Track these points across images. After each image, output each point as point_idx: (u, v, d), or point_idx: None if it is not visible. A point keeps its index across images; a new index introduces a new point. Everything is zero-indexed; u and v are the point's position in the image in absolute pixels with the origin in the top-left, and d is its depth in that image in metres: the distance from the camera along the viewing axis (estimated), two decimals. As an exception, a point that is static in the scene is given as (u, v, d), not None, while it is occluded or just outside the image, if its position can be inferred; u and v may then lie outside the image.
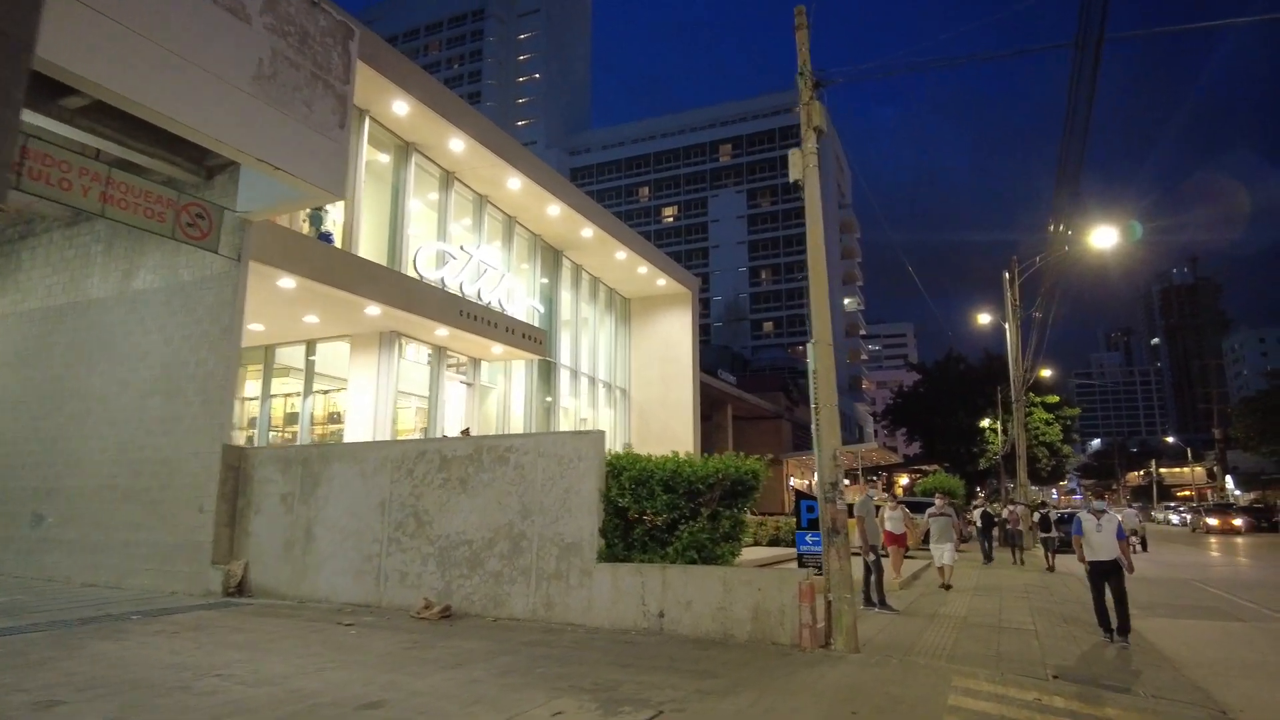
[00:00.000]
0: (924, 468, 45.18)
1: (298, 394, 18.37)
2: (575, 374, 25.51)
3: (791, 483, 46.69)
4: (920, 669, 6.51)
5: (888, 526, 13.51)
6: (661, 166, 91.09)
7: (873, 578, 10.44)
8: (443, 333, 17.38)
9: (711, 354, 62.06)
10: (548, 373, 23.98)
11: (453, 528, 9.00)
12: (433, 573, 9.06)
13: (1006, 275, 26.46)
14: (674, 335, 29.40)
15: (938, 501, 14.54)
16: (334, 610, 9.21)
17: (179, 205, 10.64)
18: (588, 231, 23.26)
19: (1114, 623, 8.73)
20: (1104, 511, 9.17)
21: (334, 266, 14.21)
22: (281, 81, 9.76)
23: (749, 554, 16.21)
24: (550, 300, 24.31)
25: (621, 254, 25.26)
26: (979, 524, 22.63)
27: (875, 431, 79.14)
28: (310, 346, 18.31)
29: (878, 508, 14.76)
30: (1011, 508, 23.08)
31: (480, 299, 18.58)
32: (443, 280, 17.57)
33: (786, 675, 6.09)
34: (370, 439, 15.79)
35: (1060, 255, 25.85)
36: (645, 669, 6.20)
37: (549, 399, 24.02)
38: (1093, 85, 11.62)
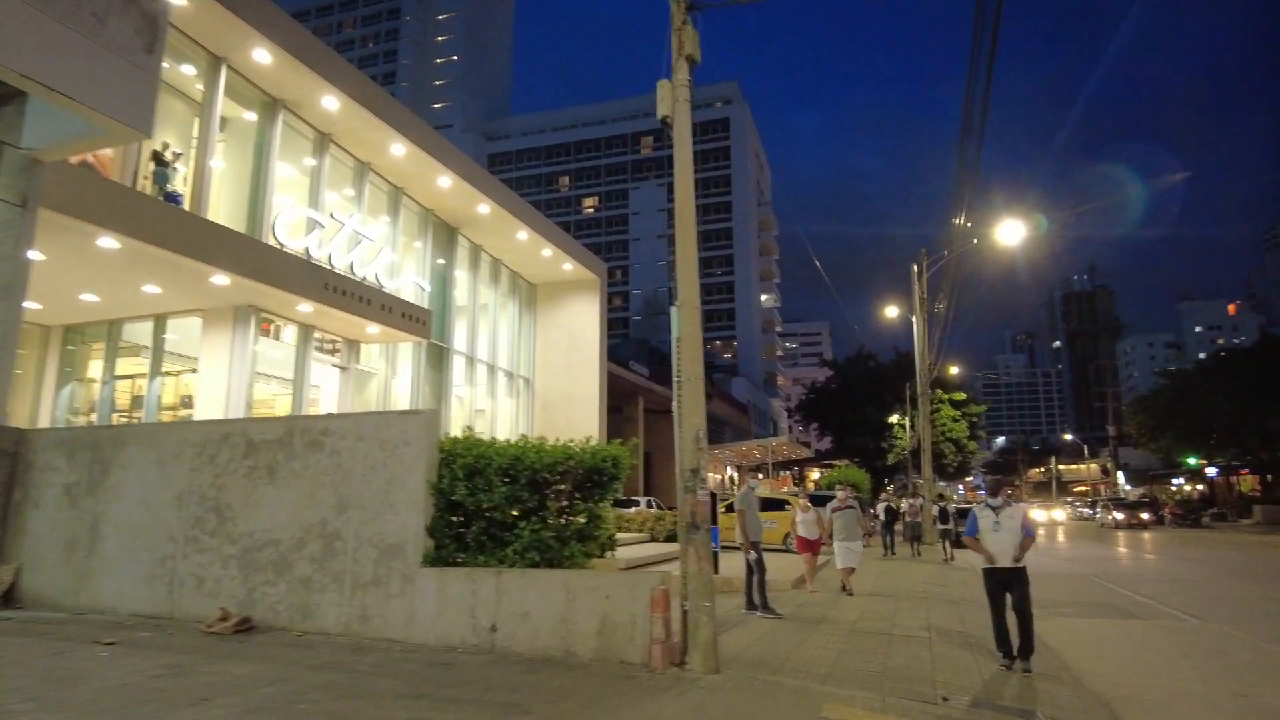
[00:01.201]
0: (834, 463, 45.33)
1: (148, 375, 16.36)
2: (472, 361, 23.96)
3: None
4: (787, 694, 5.46)
5: (800, 531, 12.26)
6: (582, 156, 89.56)
7: (754, 578, 9.46)
8: (306, 308, 15.65)
9: (630, 347, 61.13)
10: (439, 359, 22.39)
11: (258, 525, 7.52)
12: (234, 578, 7.57)
13: (915, 268, 26.20)
14: (581, 324, 28.14)
15: (840, 494, 12.92)
16: (113, 624, 7.63)
17: (-60, 137, 8.77)
18: (484, 208, 21.76)
19: (1015, 642, 7.15)
20: (1003, 506, 7.33)
21: (169, 227, 12.39)
22: (63, -13, 8.05)
23: (636, 551, 15.07)
24: (444, 281, 22.71)
25: (523, 234, 23.84)
26: (882, 517, 23.51)
27: (790, 427, 79.72)
28: (160, 322, 16.31)
29: (784, 504, 13.90)
30: (912, 501, 23.45)
31: (354, 273, 16.92)
32: (308, 250, 15.85)
33: (616, 708, 4.93)
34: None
35: (968, 247, 25.76)
36: (444, 702, 4.94)
37: (440, 387, 22.41)
38: (988, 75, 11.08)
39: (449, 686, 5.31)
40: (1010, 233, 24.46)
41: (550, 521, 6.78)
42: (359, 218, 17.81)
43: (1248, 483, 50.66)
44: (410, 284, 19.69)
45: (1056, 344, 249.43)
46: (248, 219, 15.76)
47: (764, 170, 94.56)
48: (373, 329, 17.51)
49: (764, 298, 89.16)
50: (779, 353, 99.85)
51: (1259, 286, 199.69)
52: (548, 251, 25.40)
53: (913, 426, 40.97)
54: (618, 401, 40.32)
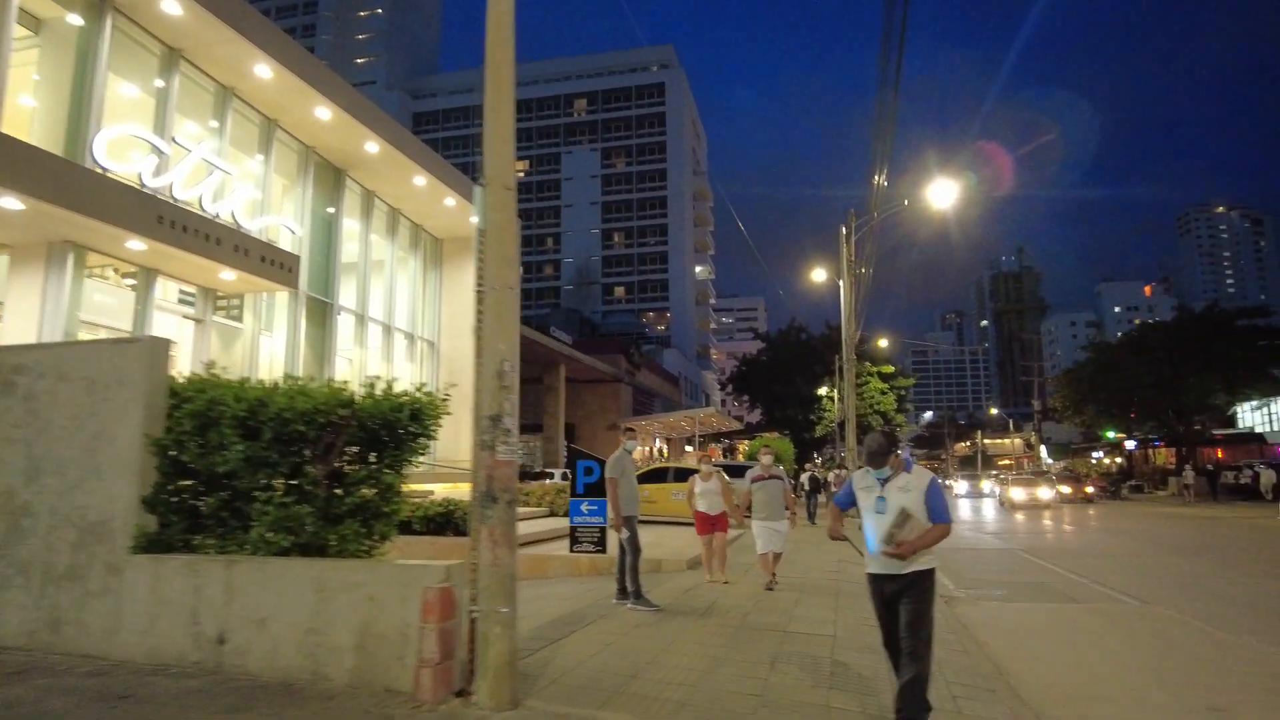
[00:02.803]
0: (765, 435, 44.34)
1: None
2: (362, 319, 21.67)
3: (634, 447, 44.61)
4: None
5: (699, 505, 9.70)
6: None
7: (626, 560, 7.80)
8: (137, 246, 13.28)
9: (560, 317, 59.03)
10: (323, 316, 20.08)
11: (-80, 498, 5.46)
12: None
13: (842, 230, 24.86)
14: (489, 282, 26.00)
15: (763, 460, 10.11)
16: None
17: None
18: (372, 146, 19.43)
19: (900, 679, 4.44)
20: (894, 475, 4.48)
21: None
22: None
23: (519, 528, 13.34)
24: (330, 229, 20.35)
25: (420, 179, 21.57)
26: (806, 487, 23.68)
27: (723, 400, 78.88)
28: (-36, 262, 13.72)
29: (666, 473, 11.97)
30: (838, 472, 23.56)
31: (204, 209, 14.55)
32: (140, 178, 13.43)
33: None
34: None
35: (900, 209, 24.57)
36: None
37: (324, 348, 20.12)
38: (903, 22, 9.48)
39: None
40: (941, 193, 23.41)
41: (311, 492, 4.90)
42: (212, 146, 15.40)
43: (1162, 455, 51.75)
44: (278, 227, 17.34)
45: (984, 323, 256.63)
46: (66, 140, 13.25)
47: (700, 140, 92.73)
48: (228, 275, 15.19)
49: (698, 269, 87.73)
50: (713, 326, 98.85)
51: (1171, 269, 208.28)
52: (451, 201, 23.17)
53: (841, 398, 40.23)
54: (539, 370, 38.34)
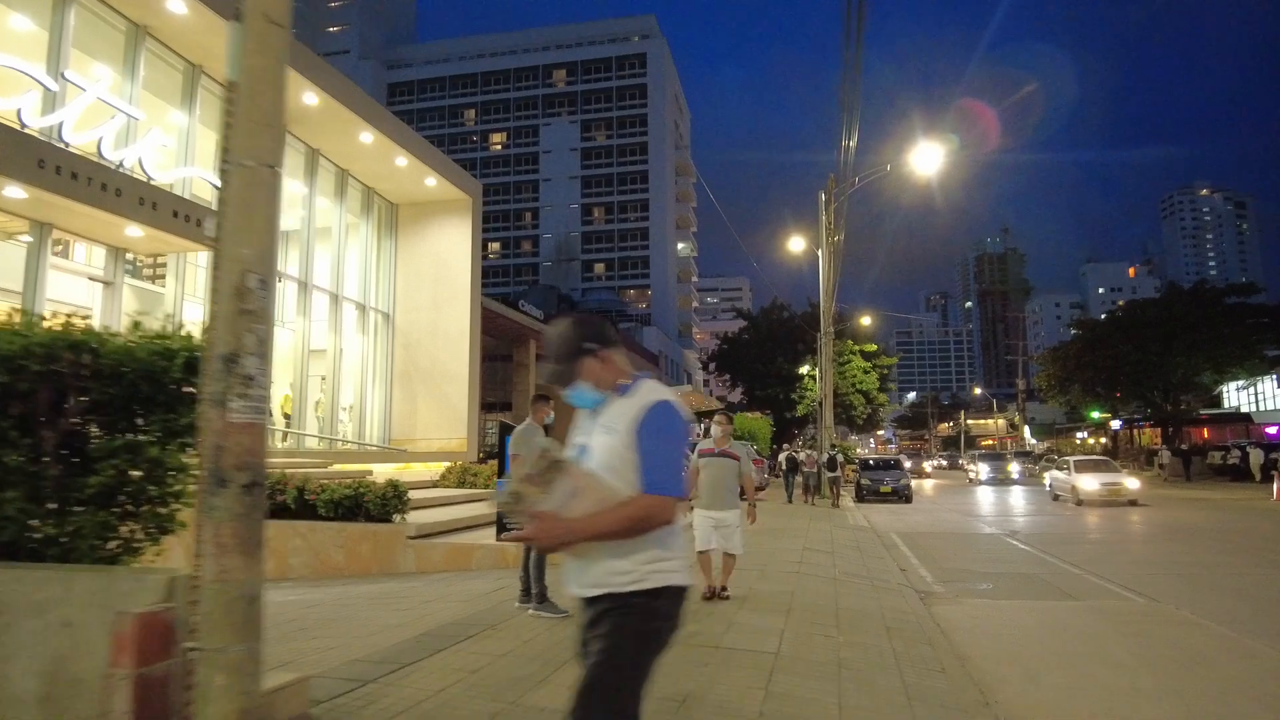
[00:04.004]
0: (749, 414, 43.12)
1: None
2: (306, 287, 20.11)
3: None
4: None
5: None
6: (490, 88, 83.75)
7: (529, 556, 6.44)
8: (15, 194, 11.70)
9: (537, 294, 57.43)
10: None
11: None
12: None
13: (821, 196, 23.49)
14: (449, 250, 24.41)
15: (716, 429, 7.76)
16: None
17: None
18: (311, 97, 17.82)
19: None
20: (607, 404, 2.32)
21: None
22: None
23: (451, 513, 11.89)
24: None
25: (367, 136, 19.97)
26: (784, 466, 23.19)
27: (706, 381, 77.69)
28: None
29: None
30: (810, 452, 23.23)
31: (103, 156, 12.97)
32: (19, 115, 11.83)
33: None
34: None
35: (883, 174, 23.25)
36: None
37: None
38: None
39: None
40: (925, 157, 22.25)
41: (24, 468, 3.45)
42: (111, 85, 13.77)
43: (1147, 436, 51.01)
44: (200, 181, 15.74)
45: (969, 304, 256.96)
46: (-66, 72, 11.67)
47: (683, 114, 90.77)
48: (134, 231, 13.64)
49: (680, 246, 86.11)
50: (695, 305, 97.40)
51: (1155, 252, 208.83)
52: (402, 160, 21.58)
53: (823, 376, 39.09)
54: (507, 347, 36.87)
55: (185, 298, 16.49)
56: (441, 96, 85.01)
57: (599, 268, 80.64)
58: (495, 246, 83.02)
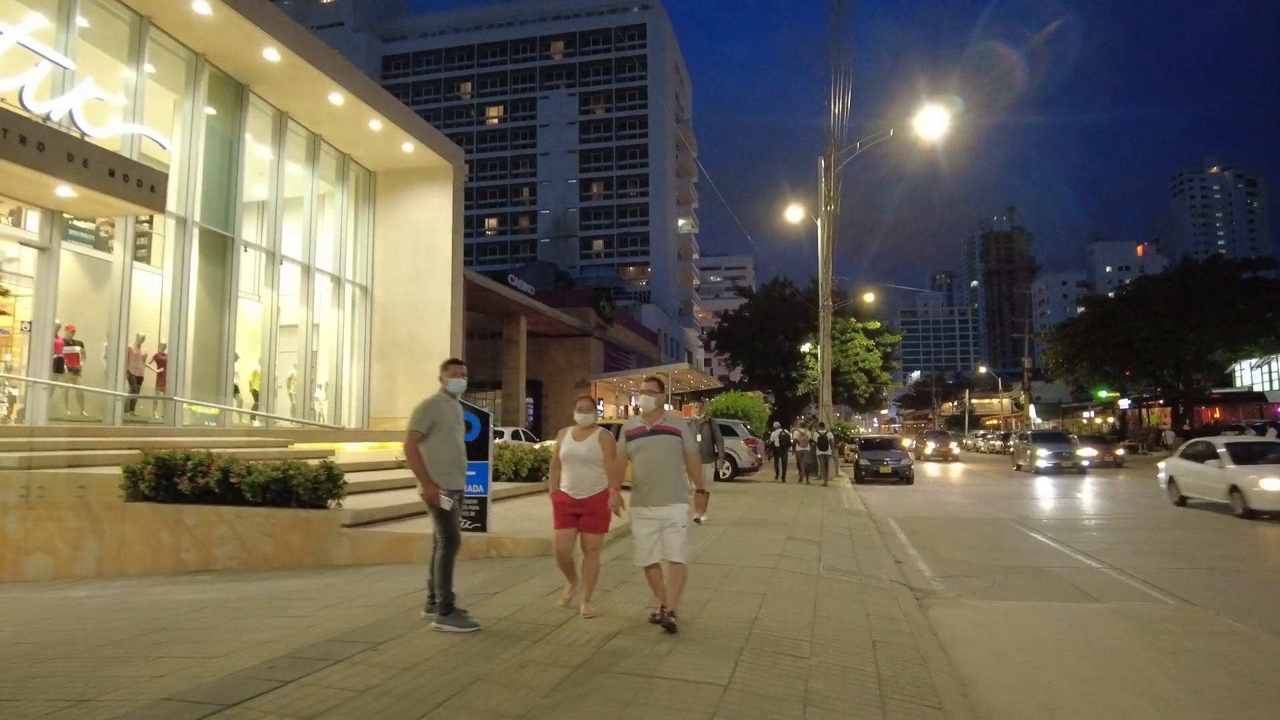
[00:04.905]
0: (747, 394, 42.12)
1: None
2: (273, 257, 19.02)
3: (601, 409, 42.31)
4: None
5: (563, 483, 5.60)
6: (487, 61, 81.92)
7: (437, 555, 5.37)
8: (-85, 145, 10.62)
9: (534, 272, 56.27)
10: (222, 251, 17.46)
11: None
12: None
13: (821, 161, 22.25)
14: (429, 220, 23.25)
15: (644, 401, 5.60)
16: None
17: None
18: (272, 53, 16.68)
19: None
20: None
21: None
22: None
23: (394, 500, 10.75)
24: (230, 152, 17.66)
25: (337, 97, 18.80)
26: (776, 444, 22.76)
27: (707, 361, 76.57)
28: None
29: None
30: (804, 430, 22.96)
31: (25, 106, 11.86)
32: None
33: None
34: None
35: (885, 139, 22.01)
36: None
37: (223, 289, 17.51)
38: None
39: None
40: (929, 121, 21.08)
41: None
42: (32, 30, 12.60)
43: (1156, 415, 49.82)
44: (144, 139, 14.59)
45: (974, 283, 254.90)
46: None
47: (684, 85, 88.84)
48: (65, 192, 12.55)
49: (681, 222, 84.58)
50: (696, 282, 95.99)
51: (1163, 230, 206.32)
52: (376, 124, 20.41)
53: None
54: (496, 324, 35.86)
55: (135, 267, 15.40)
56: (437, 70, 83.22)
57: (598, 244, 79.22)
58: (492, 223, 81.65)
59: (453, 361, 5.56)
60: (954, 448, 41.06)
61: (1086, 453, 28.44)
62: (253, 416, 18.51)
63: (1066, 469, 26.16)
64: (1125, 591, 7.63)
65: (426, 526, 8.93)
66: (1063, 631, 6.06)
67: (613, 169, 78.41)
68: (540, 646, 4.63)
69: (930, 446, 41.07)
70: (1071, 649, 5.58)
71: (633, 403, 50.50)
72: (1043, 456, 26.58)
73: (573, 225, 79.03)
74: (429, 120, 25.79)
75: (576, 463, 5.50)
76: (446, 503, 5.19)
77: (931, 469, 31.27)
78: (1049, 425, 56.40)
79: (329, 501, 8.79)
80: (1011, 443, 30.68)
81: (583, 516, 5.52)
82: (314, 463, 8.97)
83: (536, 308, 35.28)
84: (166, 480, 8.92)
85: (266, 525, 8.69)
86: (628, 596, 6.07)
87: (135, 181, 13.08)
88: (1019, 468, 28.91)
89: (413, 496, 10.22)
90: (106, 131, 13.36)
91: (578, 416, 5.74)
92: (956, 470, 29.01)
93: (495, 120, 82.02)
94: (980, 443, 56.25)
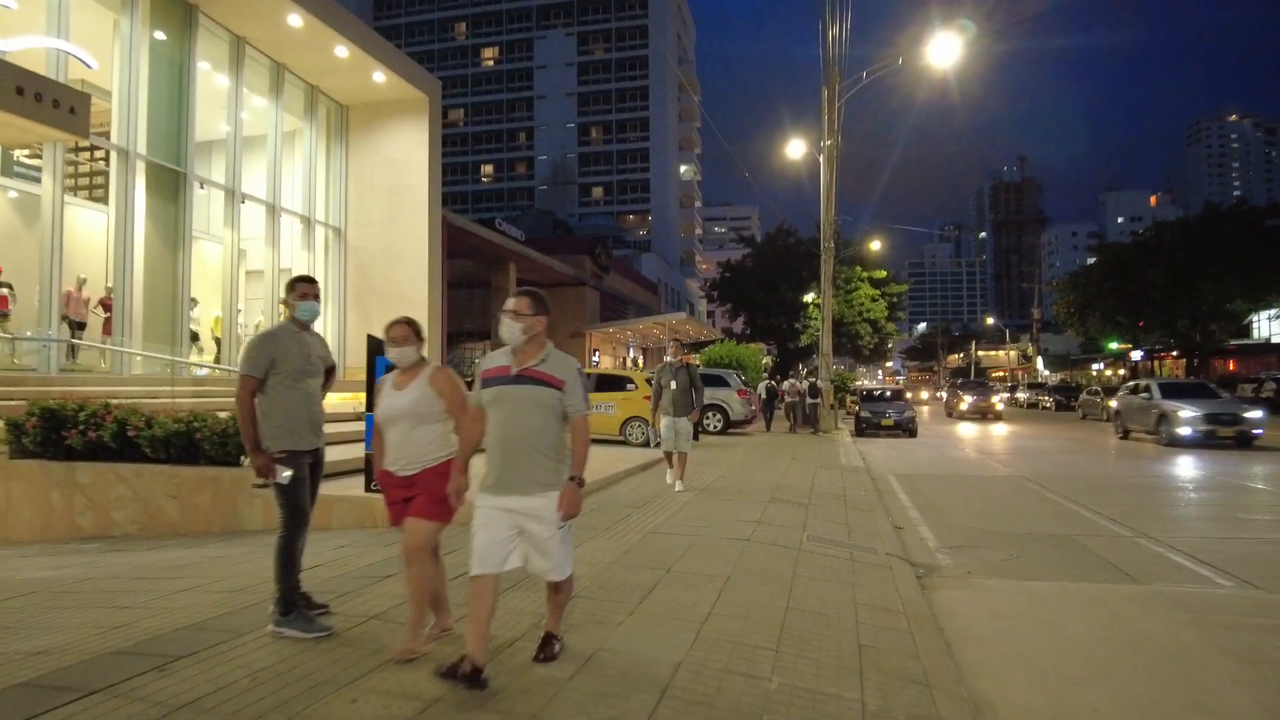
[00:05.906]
0: (750, 345, 40.84)
1: None
2: (233, 195, 17.65)
3: (595, 360, 41.09)
4: None
5: (386, 459, 3.85)
6: (481, 0, 78.79)
7: (280, 537, 4.12)
8: None
9: (531, 219, 54.53)
10: (174, 187, 16.12)
11: None
12: None
13: (824, 91, 20.60)
14: (404, 157, 21.76)
15: (508, 327, 3.47)
16: None
17: None
18: (213, -37, 15.12)
19: None
20: None
21: None
22: None
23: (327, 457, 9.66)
24: (178, 79, 16.19)
25: (296, 19, 17.25)
26: (763, 396, 22.72)
27: (710, 312, 75.11)
28: None
29: (626, 382, 6.80)
30: (792, 381, 23.29)
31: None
32: None
33: None
34: None
35: (893, 68, 20.37)
36: None
37: (176, 228, 16.20)
38: None
39: None
40: (940, 49, 19.47)
41: None
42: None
43: (1169, 366, 48.46)
44: (62, 55, 13.13)
45: (983, 234, 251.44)
46: None
47: (687, 25, 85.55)
48: (-29, 113, 11.15)
49: (683, 169, 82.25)
50: (699, 231, 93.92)
51: (1177, 181, 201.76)
52: (343, 50, 18.84)
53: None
54: (485, 273, 34.39)
55: (68, 201, 14.08)
56: (430, 9, 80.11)
57: (597, 191, 77.09)
58: (488, 169, 79.44)
59: (300, 279, 4.29)
60: (996, 402, 32.63)
61: (1254, 415, 17.75)
62: (214, 367, 17.38)
63: (1225, 439, 17.51)
64: (1165, 566, 6.47)
65: (349, 489, 7.79)
66: (1097, 626, 4.90)
67: (612, 112, 75.87)
68: (378, 653, 3.47)
69: (966, 401, 32.43)
70: (1113, 652, 4.41)
71: (629, 354, 49.22)
72: (1185, 420, 17.73)
73: (571, 171, 76.84)
74: (423, 64, 24.11)
75: (400, 421, 3.73)
76: (284, 475, 3.93)
77: (968, 432, 24.41)
78: (1180, 377, 41.80)
79: (241, 458, 7.63)
80: (1118, 398, 21.89)
81: (418, 500, 3.72)
82: (225, 415, 7.80)
83: (526, 254, 33.81)
84: (55, 434, 7.78)
85: (170, 485, 7.57)
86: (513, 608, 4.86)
87: (51, 102, 11.69)
88: (1126, 434, 20.56)
89: (350, 451, 9.08)
90: (15, 44, 11.93)
91: (391, 353, 3.89)
92: (1016, 437, 22.10)
93: (490, 62, 79.17)
94: (1020, 395, 48.25)
